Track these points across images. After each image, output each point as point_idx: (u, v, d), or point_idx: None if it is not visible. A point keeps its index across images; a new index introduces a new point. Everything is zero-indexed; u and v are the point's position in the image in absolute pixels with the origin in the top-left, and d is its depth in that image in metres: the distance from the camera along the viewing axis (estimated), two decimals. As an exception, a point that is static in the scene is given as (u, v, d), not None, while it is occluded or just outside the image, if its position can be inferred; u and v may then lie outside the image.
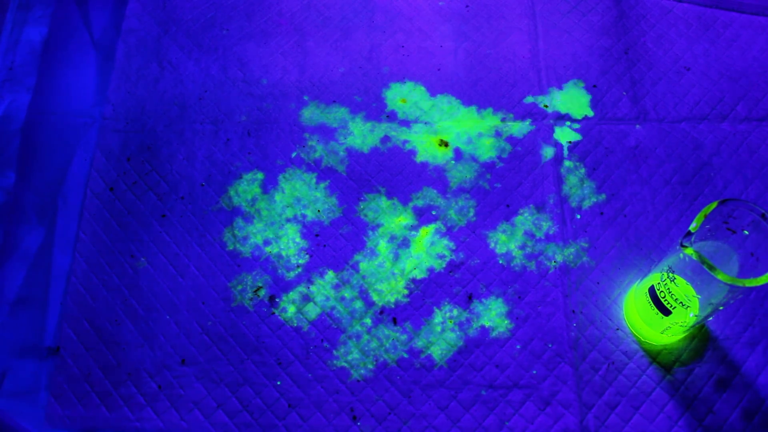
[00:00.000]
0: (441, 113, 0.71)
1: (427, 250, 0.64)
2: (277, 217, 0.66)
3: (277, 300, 0.62)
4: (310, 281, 0.63)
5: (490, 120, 0.70)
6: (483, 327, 0.61)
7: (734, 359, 0.59)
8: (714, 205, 0.47)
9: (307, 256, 0.64)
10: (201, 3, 0.77)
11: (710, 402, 0.57)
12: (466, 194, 0.66)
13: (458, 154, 0.68)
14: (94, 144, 0.69)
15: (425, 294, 0.62)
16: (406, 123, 0.70)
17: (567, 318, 0.61)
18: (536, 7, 0.76)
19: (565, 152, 0.68)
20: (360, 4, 0.78)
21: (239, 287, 0.62)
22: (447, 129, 0.70)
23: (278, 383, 0.59)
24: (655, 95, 0.71)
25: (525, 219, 0.65)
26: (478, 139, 0.69)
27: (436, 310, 0.61)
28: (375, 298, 0.62)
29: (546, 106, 0.71)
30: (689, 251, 0.45)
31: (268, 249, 0.64)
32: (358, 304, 0.62)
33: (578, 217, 0.65)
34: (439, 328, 0.61)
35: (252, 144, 0.69)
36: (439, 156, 0.68)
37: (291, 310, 0.62)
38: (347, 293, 0.62)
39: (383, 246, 0.64)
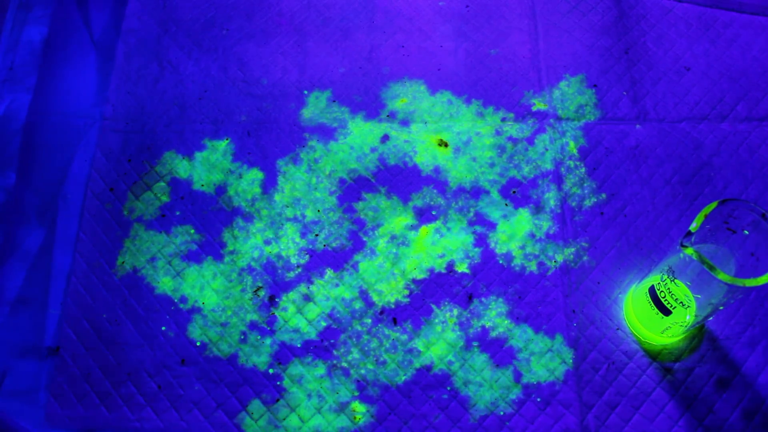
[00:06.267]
0: (441, 113, 0.71)
1: (427, 250, 0.64)
2: (277, 217, 0.66)
3: (277, 300, 0.62)
4: (310, 281, 0.63)
5: (490, 120, 0.70)
6: (483, 327, 0.61)
7: (734, 359, 0.59)
8: (714, 205, 0.47)
9: (307, 256, 0.64)
10: (201, 3, 0.77)
11: (710, 402, 0.57)
12: (466, 194, 0.66)
13: (458, 154, 0.68)
14: (95, 144, 0.69)
15: (425, 294, 0.62)
16: (405, 123, 0.70)
17: (567, 318, 0.61)
18: (536, 7, 0.76)
19: (565, 152, 0.68)
20: (360, 4, 0.78)
21: (239, 287, 0.62)
22: (447, 129, 0.70)
23: (278, 383, 0.59)
24: (655, 95, 0.71)
25: (525, 219, 0.65)
26: (478, 138, 0.69)
27: (436, 310, 0.61)
28: (375, 298, 0.62)
29: (546, 106, 0.71)
30: (689, 251, 0.45)
31: (268, 249, 0.64)
32: (358, 304, 0.62)
33: (578, 217, 0.65)
34: (439, 328, 0.61)
35: (252, 144, 0.69)
36: (439, 156, 0.68)
37: (291, 310, 0.62)
38: (347, 293, 0.62)
39: (383, 246, 0.64)
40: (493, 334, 0.60)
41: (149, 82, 0.73)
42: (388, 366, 0.59)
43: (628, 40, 0.74)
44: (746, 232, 0.49)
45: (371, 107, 0.71)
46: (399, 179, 0.67)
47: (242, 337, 0.60)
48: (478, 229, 0.65)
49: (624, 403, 0.57)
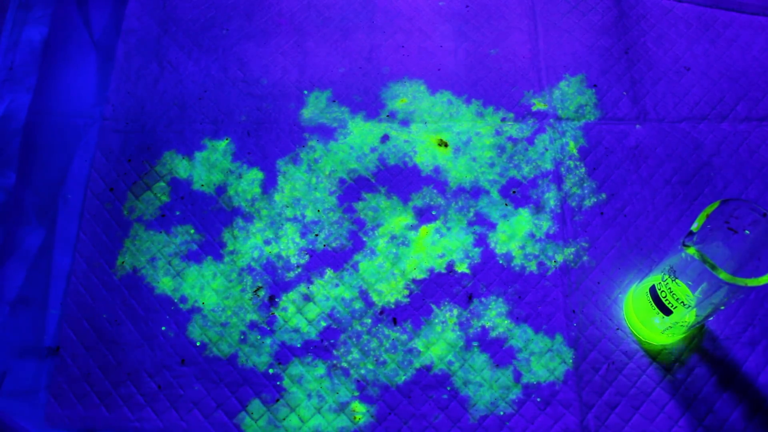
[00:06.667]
0: (441, 113, 0.71)
1: (427, 250, 0.64)
2: (277, 217, 0.66)
3: (277, 300, 0.62)
4: (310, 281, 0.63)
5: (490, 119, 0.70)
6: (483, 327, 0.61)
7: (734, 359, 0.59)
8: (716, 204, 0.47)
9: (307, 256, 0.64)
10: (201, 3, 0.77)
11: (710, 402, 0.57)
12: (466, 194, 0.66)
13: (458, 154, 0.68)
14: (94, 144, 0.69)
15: (425, 294, 0.62)
16: (405, 123, 0.70)
17: (567, 318, 0.61)
18: (536, 7, 0.76)
19: (565, 152, 0.68)
20: (360, 4, 0.78)
21: (239, 287, 0.62)
22: (447, 129, 0.70)
23: (278, 383, 0.59)
24: (655, 95, 0.71)
25: (525, 219, 0.65)
26: (478, 138, 0.69)
27: (436, 310, 0.61)
28: (375, 298, 0.62)
29: (546, 106, 0.71)
30: (691, 251, 0.45)
31: (268, 249, 0.64)
32: (358, 304, 0.62)
33: (578, 217, 0.65)
34: (439, 328, 0.61)
35: (252, 144, 0.69)
36: (439, 156, 0.68)
37: (291, 310, 0.62)
38: (347, 293, 0.62)
39: (383, 246, 0.64)
40: (493, 334, 0.60)
41: (149, 82, 0.73)
42: (388, 366, 0.59)
43: (628, 40, 0.74)
44: (747, 232, 0.49)
45: (371, 107, 0.71)
46: (399, 179, 0.67)
47: (242, 337, 0.60)
48: (478, 229, 0.65)
49: (624, 403, 0.57)
